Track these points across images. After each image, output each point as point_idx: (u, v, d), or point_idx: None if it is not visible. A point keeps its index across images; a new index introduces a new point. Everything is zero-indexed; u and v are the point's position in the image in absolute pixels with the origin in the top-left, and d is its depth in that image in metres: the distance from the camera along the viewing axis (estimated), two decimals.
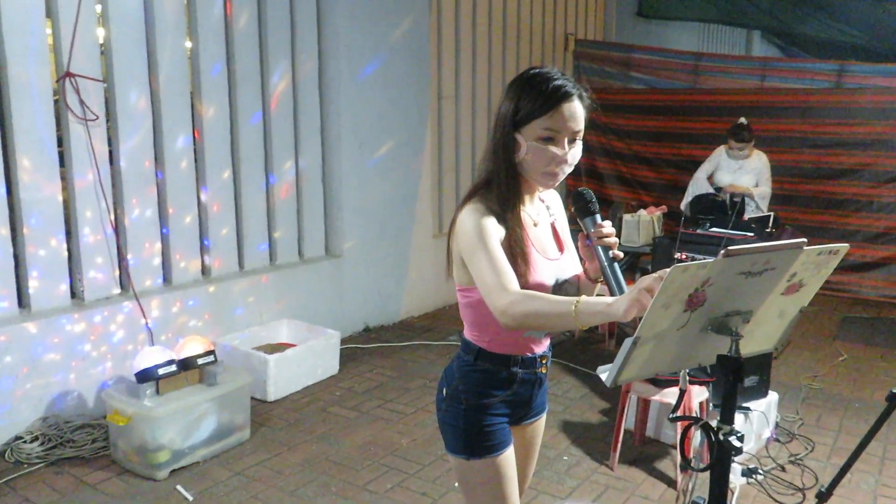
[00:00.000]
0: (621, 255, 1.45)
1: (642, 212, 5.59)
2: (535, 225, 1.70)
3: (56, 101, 3.67)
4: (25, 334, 3.51)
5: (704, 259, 1.43)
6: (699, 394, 3.24)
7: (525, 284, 1.57)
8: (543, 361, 1.78)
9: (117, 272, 3.96)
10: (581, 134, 1.62)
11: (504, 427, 1.72)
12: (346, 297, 5.19)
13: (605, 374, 1.46)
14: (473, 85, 6.58)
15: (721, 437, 1.59)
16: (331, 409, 4.03)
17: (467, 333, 1.74)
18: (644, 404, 3.57)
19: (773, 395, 3.64)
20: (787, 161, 6.65)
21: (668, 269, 1.29)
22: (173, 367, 3.38)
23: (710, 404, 3.32)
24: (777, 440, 3.65)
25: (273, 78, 4.70)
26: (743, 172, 5.46)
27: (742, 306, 1.55)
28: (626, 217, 5.49)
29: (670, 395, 3.22)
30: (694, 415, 3.11)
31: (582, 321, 1.41)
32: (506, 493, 1.70)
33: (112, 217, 3.88)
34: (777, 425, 3.73)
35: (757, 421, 3.45)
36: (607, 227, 1.51)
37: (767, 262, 1.46)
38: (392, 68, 5.29)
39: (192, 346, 3.61)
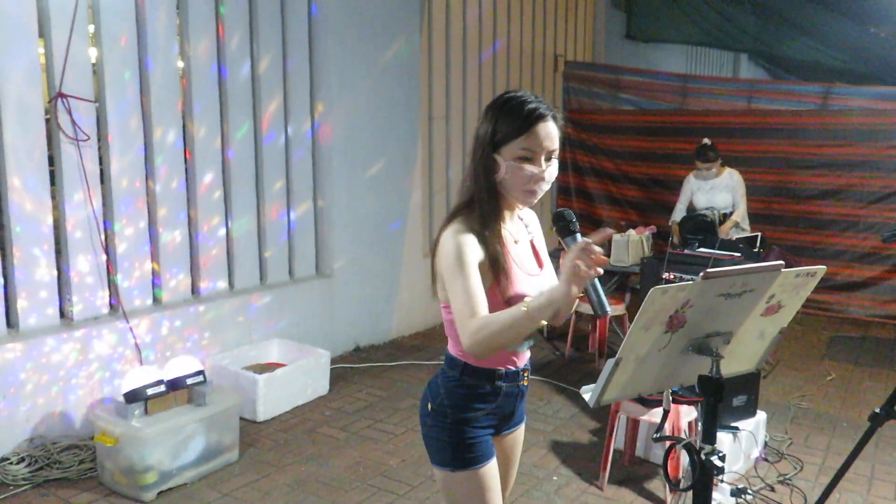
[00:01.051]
0: (601, 271, 1.49)
1: (631, 231, 5.64)
2: (516, 242, 1.76)
3: (48, 121, 3.70)
4: (13, 355, 3.51)
5: (692, 279, 1.46)
6: (687, 413, 3.26)
7: (509, 299, 1.64)
8: (525, 374, 1.84)
9: (106, 292, 3.97)
10: (556, 153, 1.70)
11: (488, 440, 1.77)
12: (336, 317, 5.20)
13: (588, 394, 1.49)
14: (464, 105, 6.66)
15: (703, 457, 1.62)
16: (320, 429, 4.03)
17: (452, 349, 1.79)
18: (633, 424, 3.59)
19: (761, 415, 3.67)
20: (775, 181, 6.74)
21: (587, 238, 1.45)
22: (162, 388, 3.38)
23: (700, 424, 3.34)
24: (766, 460, 3.67)
25: (264, 98, 4.74)
26: (716, 191, 5.56)
27: (722, 327, 1.59)
28: (616, 237, 5.54)
29: (658, 415, 3.23)
30: (682, 435, 3.13)
31: (536, 316, 1.51)
32: (494, 489, 1.75)
33: (102, 237, 3.89)
34: (766, 445, 3.76)
35: (745, 440, 3.48)
36: (597, 249, 1.51)
37: (746, 283, 1.50)
38: (383, 89, 5.35)
39: (181, 366, 3.61)
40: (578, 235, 1.60)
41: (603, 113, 7.80)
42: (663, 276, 4.52)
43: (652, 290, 1.35)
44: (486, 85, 6.92)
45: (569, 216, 1.62)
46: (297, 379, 4.31)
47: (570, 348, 5.45)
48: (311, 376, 4.40)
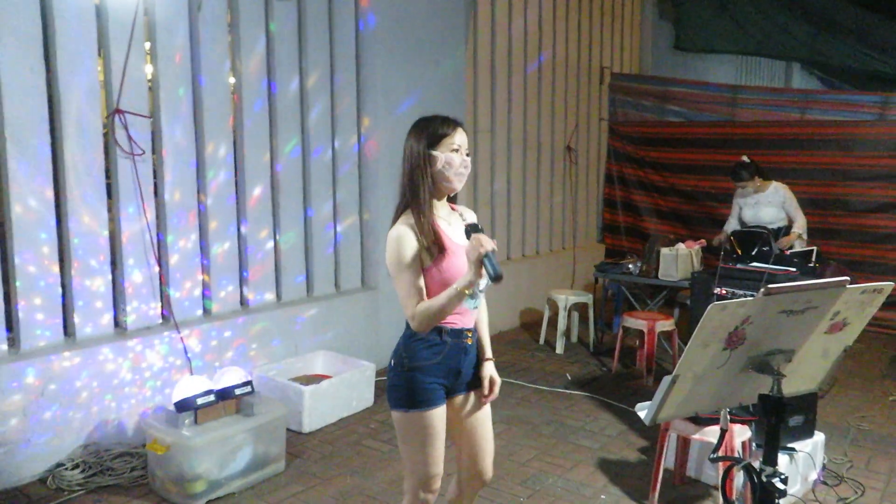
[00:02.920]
0: (492, 246, 1.96)
1: (680, 245, 5.54)
2: (450, 224, 2.24)
3: (105, 136, 3.82)
4: (69, 363, 3.61)
5: (744, 295, 1.42)
6: (741, 433, 3.17)
7: (448, 265, 2.11)
8: (469, 334, 2.26)
9: (159, 303, 4.06)
10: (469, 153, 2.23)
11: (438, 390, 2.19)
12: (381, 329, 5.22)
13: (643, 412, 1.46)
14: (509, 119, 6.65)
15: (764, 479, 1.57)
16: (365, 441, 4.04)
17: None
18: (684, 443, 3.51)
19: (819, 436, 3.54)
20: (830, 194, 6.55)
21: (483, 236, 1.95)
22: (211, 397, 3.43)
23: (753, 444, 3.24)
24: (824, 483, 3.54)
25: (312, 113, 4.82)
26: (761, 206, 5.47)
27: (784, 345, 1.54)
28: (664, 251, 5.45)
29: (711, 433, 3.16)
30: (736, 455, 3.05)
31: (461, 289, 2.02)
32: (435, 442, 2.19)
33: (155, 249, 3.99)
34: (824, 467, 3.62)
35: (803, 462, 3.36)
36: (486, 241, 1.98)
37: (809, 300, 1.45)
38: (429, 103, 5.38)
39: (229, 377, 3.66)
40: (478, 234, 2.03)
41: (650, 125, 7.71)
42: (714, 292, 4.42)
43: (711, 306, 1.31)
44: (531, 97, 6.91)
45: (477, 229, 2.07)
46: (342, 391, 4.33)
47: (617, 364, 5.37)
48: (356, 388, 4.42)
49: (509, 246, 6.85)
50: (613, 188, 8.13)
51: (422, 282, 2.11)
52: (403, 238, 2.10)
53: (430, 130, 2.19)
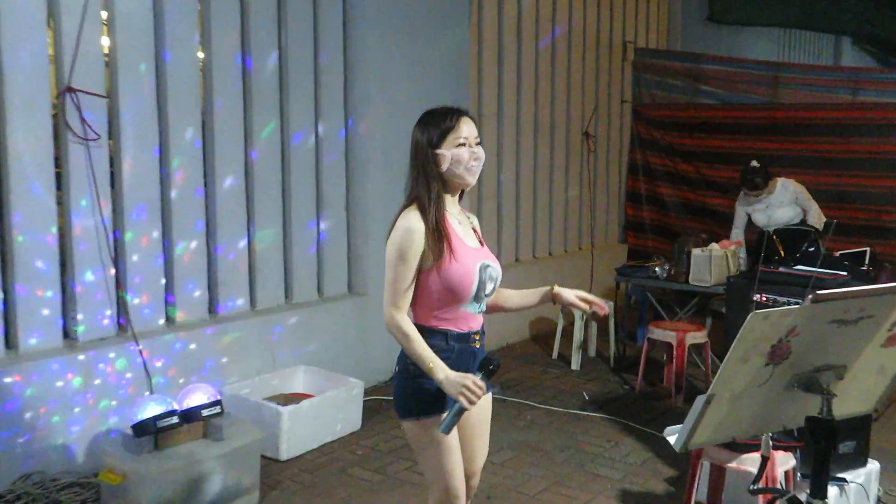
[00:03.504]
0: (469, 407, 2.17)
1: (714, 245, 5.53)
2: (460, 223, 2.40)
3: (55, 119, 3.80)
4: (10, 379, 3.59)
5: (788, 303, 1.41)
6: (784, 461, 3.16)
7: (454, 269, 2.27)
8: (476, 337, 2.40)
9: (114, 310, 4.05)
10: (479, 140, 2.36)
11: (444, 395, 2.26)
12: (370, 342, 5.21)
13: (673, 436, 1.44)
14: (518, 101, 6.65)
15: None
16: (352, 470, 4.02)
17: (413, 318, 2.37)
18: (718, 472, 3.49)
19: (873, 465, 3.53)
20: (883, 187, 6.53)
21: (482, 383, 2.19)
22: (174, 419, 3.42)
23: (798, 474, 3.23)
24: None
25: (292, 94, 4.80)
26: (774, 208, 5.65)
27: (834, 360, 1.52)
28: (695, 252, 5.44)
29: (750, 462, 3.14)
30: (779, 486, 3.03)
31: (431, 375, 2.23)
32: (454, 449, 2.34)
33: (111, 248, 3.97)
34: (879, 500, 3.61)
35: (855, 494, 3.35)
36: (479, 392, 2.18)
37: (863, 308, 1.44)
38: (426, 84, 5.37)
39: (195, 396, 3.65)
40: (479, 379, 2.22)
41: (680, 108, 7.70)
42: (753, 299, 4.41)
43: (751, 315, 1.30)
44: (543, 78, 6.90)
45: (490, 369, 2.27)
46: (325, 412, 4.32)
47: (642, 382, 5.35)
48: (341, 409, 4.40)
49: (518, 246, 6.84)
50: (637, 180, 8.12)
51: (412, 287, 2.29)
52: (415, 232, 2.25)
53: (433, 126, 2.32)
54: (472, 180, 2.36)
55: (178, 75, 4.20)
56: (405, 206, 2.35)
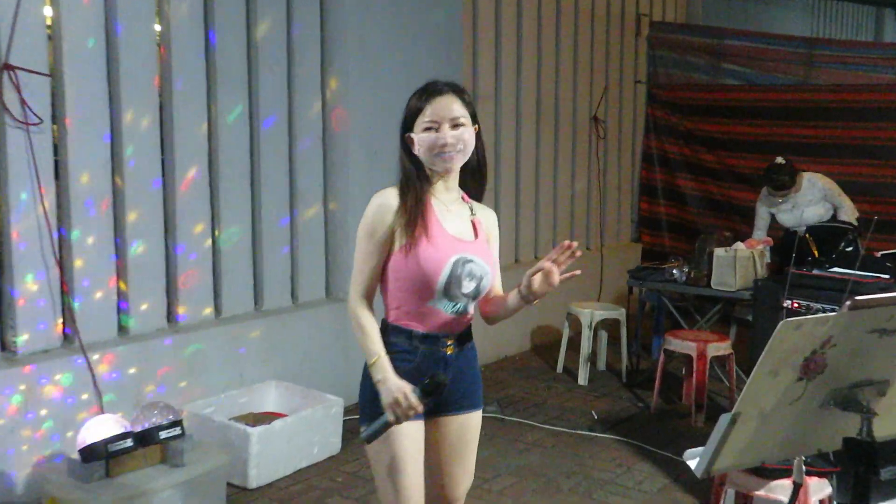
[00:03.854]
0: (396, 423, 2.22)
1: (739, 245, 5.55)
2: (448, 210, 2.41)
3: None
4: None
5: (823, 310, 1.42)
6: (820, 488, 3.18)
7: (422, 253, 2.29)
8: (449, 342, 2.39)
9: (59, 318, 4.03)
10: (463, 121, 2.34)
11: None
12: (352, 353, 5.20)
13: (694, 461, 1.44)
14: (518, 81, 6.66)
15: None
16: (330, 500, 4.01)
17: (383, 313, 2.42)
18: (745, 501, 3.51)
19: None
20: None
21: (414, 401, 2.21)
22: (128, 442, 3.41)
23: (835, 503, 3.24)
24: None
25: (262, 72, 4.80)
26: (801, 206, 5.72)
27: (875, 374, 1.53)
28: (718, 252, 5.45)
29: (780, 489, 3.16)
30: None
31: (371, 367, 2.32)
32: (406, 468, 2.32)
33: (55, 248, 3.96)
34: None
35: None
36: (410, 412, 2.22)
37: None
38: (414, 61, 5.37)
39: (152, 415, 3.64)
40: (413, 395, 2.23)
41: (700, 89, 7.72)
42: (784, 305, 4.43)
43: (781, 323, 1.30)
44: (546, 54, 6.91)
45: (433, 390, 2.23)
46: (300, 433, 4.31)
47: (658, 399, 5.37)
48: (318, 431, 4.40)
49: (518, 245, 6.85)
50: (653, 171, 8.14)
51: (377, 270, 2.37)
52: (386, 207, 2.33)
53: (407, 109, 2.40)
54: (448, 167, 2.37)
55: (131, 51, 4.18)
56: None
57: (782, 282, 4.69)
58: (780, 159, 5.69)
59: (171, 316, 4.53)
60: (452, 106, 2.34)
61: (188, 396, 4.42)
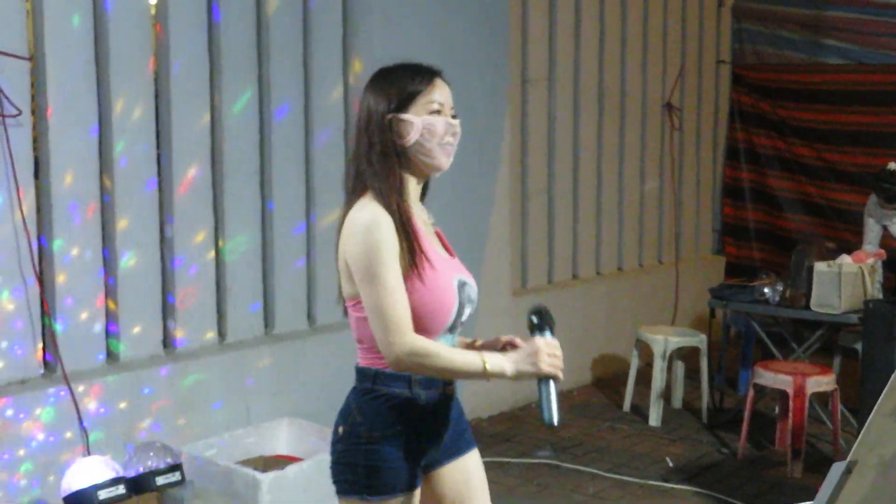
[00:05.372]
0: (560, 376, 2.19)
1: (846, 258, 5.49)
2: (424, 224, 2.36)
3: None
4: None
5: None
6: None
7: (431, 285, 2.22)
8: (450, 383, 2.34)
9: (39, 343, 4.09)
10: (455, 114, 2.34)
11: (410, 467, 2.27)
12: None
13: None
14: (576, 62, 6.65)
15: None
16: None
17: (363, 359, 2.32)
18: None
19: None
20: None
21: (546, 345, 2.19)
22: (120, 489, 3.47)
23: None
24: None
25: (273, 53, 4.85)
26: None
27: None
28: (820, 267, 5.41)
29: None
30: None
31: (491, 376, 2.18)
32: None
33: (35, 259, 4.02)
34: None
35: None
36: (558, 352, 2.21)
37: None
38: (451, 39, 5.39)
39: (147, 458, 3.68)
40: (549, 333, 2.26)
41: (796, 70, 7.67)
42: None
43: None
44: (611, 30, 6.91)
45: (550, 318, 2.28)
46: (318, 481, 4.31)
47: (746, 443, 5.33)
48: None
49: (576, 259, 6.83)
50: (739, 168, 8.09)
51: (405, 296, 2.19)
52: (383, 225, 2.19)
53: (398, 87, 2.32)
54: (445, 163, 2.34)
55: (123, 31, 4.24)
56: (351, 200, 2.31)
57: None
58: (892, 165, 5.60)
59: (167, 341, 4.57)
60: (449, 94, 2.35)
61: (187, 435, 4.44)
